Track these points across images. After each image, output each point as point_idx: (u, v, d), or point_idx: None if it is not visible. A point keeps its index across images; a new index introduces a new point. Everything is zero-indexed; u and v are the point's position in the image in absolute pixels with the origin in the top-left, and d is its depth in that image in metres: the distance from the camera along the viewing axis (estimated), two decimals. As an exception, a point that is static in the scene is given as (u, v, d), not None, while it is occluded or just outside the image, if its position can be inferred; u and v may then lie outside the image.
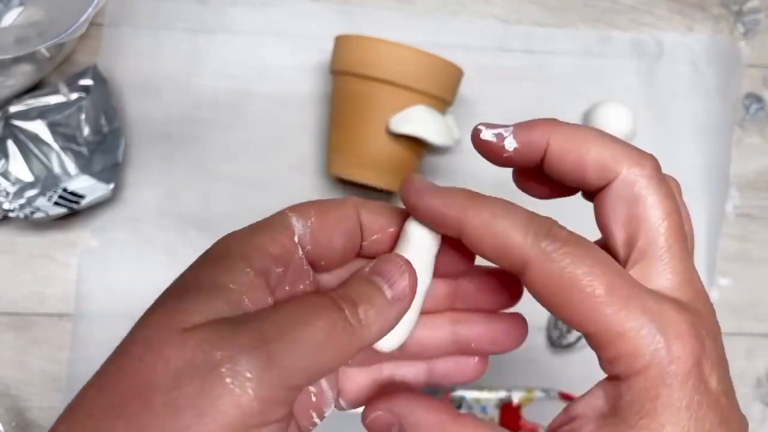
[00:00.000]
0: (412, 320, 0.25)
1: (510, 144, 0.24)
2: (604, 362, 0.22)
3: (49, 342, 0.47)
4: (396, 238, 0.26)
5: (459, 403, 0.47)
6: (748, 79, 0.58)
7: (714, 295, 0.55)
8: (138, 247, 0.49)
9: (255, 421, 0.19)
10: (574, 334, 0.51)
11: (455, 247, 0.25)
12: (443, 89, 0.47)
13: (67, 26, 0.43)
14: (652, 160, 0.23)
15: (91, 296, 0.48)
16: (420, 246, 0.25)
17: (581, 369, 0.51)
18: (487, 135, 0.25)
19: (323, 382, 0.25)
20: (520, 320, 0.27)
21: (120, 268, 0.49)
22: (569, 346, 0.51)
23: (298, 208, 0.24)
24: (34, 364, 0.47)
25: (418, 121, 0.46)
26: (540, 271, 0.21)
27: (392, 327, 0.23)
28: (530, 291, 0.22)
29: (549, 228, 0.22)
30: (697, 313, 0.21)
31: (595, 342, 0.21)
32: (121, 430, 0.18)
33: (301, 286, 0.24)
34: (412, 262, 0.24)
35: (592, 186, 0.23)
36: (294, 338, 0.20)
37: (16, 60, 0.44)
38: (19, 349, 0.47)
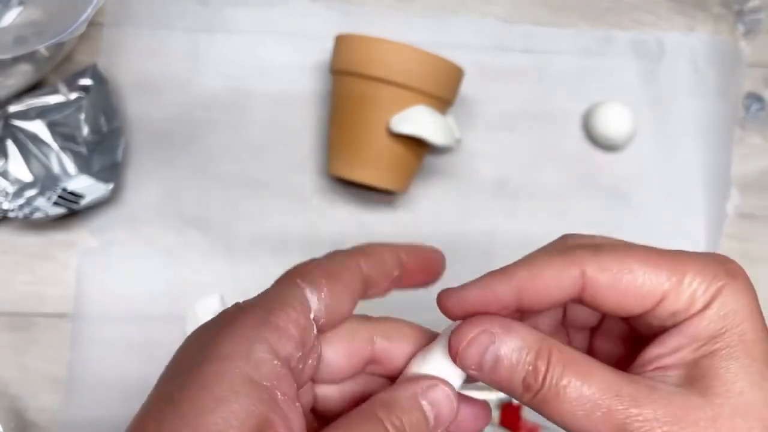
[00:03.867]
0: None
1: None
2: None
3: (49, 342, 0.47)
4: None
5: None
6: (748, 79, 0.58)
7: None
8: (137, 247, 0.49)
9: None
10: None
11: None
12: (444, 89, 0.47)
13: (66, 26, 0.43)
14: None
15: (91, 296, 0.48)
16: (447, 354, 0.24)
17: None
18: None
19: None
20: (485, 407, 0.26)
21: (119, 269, 0.49)
22: (570, 346, 0.51)
23: (308, 277, 0.23)
24: (34, 364, 0.47)
25: (418, 120, 0.45)
26: None
27: None
28: None
29: None
30: None
31: None
32: None
33: (310, 361, 0.23)
34: (451, 370, 0.24)
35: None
36: None
37: (16, 60, 0.44)
38: (19, 350, 0.47)
